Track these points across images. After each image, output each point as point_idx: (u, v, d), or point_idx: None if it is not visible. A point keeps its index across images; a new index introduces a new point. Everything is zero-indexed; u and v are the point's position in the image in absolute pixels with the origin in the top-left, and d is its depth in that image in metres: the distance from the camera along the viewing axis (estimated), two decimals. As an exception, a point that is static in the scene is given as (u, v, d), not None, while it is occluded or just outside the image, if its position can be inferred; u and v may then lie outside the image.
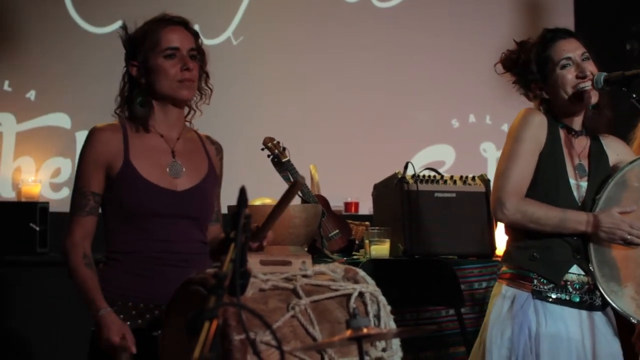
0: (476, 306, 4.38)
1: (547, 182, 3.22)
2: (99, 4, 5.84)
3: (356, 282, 2.73)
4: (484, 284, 4.48)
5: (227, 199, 2.83)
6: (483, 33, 6.38)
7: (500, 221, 3.31)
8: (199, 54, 3.10)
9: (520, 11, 6.71)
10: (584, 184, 3.26)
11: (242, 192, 2.11)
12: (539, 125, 3.23)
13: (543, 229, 3.18)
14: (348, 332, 2.20)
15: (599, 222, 3.15)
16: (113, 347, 2.84)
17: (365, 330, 2.19)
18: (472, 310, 4.41)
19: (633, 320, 3.21)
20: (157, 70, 3.01)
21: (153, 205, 2.96)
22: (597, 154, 3.32)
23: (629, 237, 3.14)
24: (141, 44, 3.03)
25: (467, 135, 6.45)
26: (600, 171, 3.29)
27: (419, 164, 5.94)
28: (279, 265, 2.74)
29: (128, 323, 2.92)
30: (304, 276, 2.69)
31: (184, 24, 3.10)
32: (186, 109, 3.14)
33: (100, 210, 3.03)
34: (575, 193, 3.24)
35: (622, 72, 3.16)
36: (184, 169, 3.04)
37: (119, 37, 3.10)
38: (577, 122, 3.30)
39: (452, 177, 4.72)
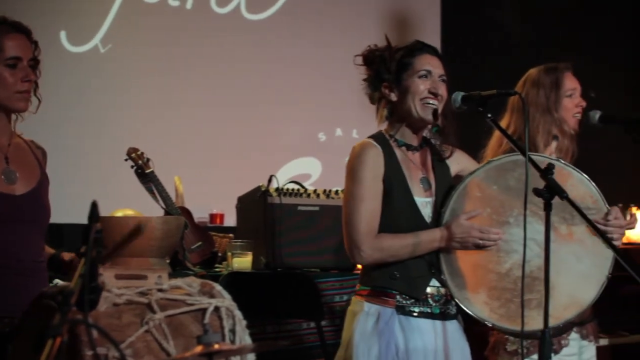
0: (337, 319, 4.40)
1: (397, 205, 3.26)
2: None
3: (212, 296, 2.73)
4: (345, 297, 4.52)
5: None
6: (351, 48, 6.41)
7: (360, 264, 3.33)
8: (35, 64, 3.03)
9: (389, 28, 6.82)
10: (431, 198, 3.32)
11: (94, 207, 2.09)
12: (374, 158, 3.25)
13: (402, 258, 3.23)
14: (199, 348, 2.20)
15: (451, 234, 3.22)
16: None
17: (216, 346, 2.19)
18: (333, 323, 4.44)
19: (489, 324, 3.29)
20: None
21: None
22: (438, 167, 3.39)
23: (480, 242, 3.21)
24: None
25: (333, 149, 6.51)
26: (444, 183, 3.35)
27: (285, 176, 5.98)
28: (134, 279, 2.71)
29: None
30: (160, 290, 2.68)
31: (26, 33, 3.02)
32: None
33: None
34: (423, 210, 3.29)
35: (479, 92, 3.22)
36: (17, 175, 2.98)
37: None
38: (416, 137, 3.36)
39: (315, 190, 4.76)
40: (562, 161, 3.30)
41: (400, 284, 3.25)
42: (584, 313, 3.46)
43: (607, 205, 3.34)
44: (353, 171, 3.27)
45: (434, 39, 6.87)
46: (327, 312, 4.48)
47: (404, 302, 3.25)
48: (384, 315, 3.23)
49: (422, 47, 3.36)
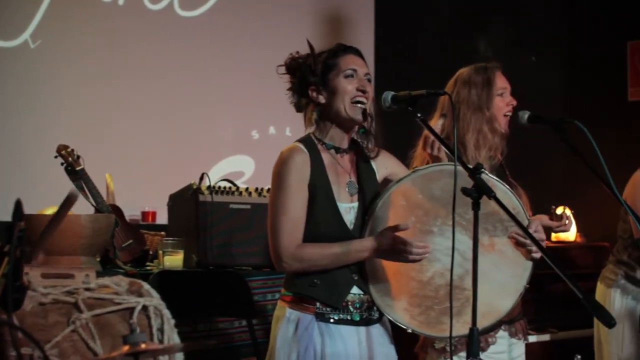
0: (268, 317, 4.40)
1: (319, 211, 3.24)
2: None
3: (140, 295, 2.72)
4: (277, 295, 4.48)
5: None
6: (285, 46, 6.38)
7: (283, 272, 3.31)
8: None
9: (323, 26, 6.84)
10: (355, 204, 3.31)
11: (18, 205, 2.06)
12: (301, 164, 3.23)
13: (325, 268, 3.22)
14: (125, 348, 2.18)
15: (380, 246, 3.19)
16: None
17: (142, 346, 2.17)
18: (264, 321, 4.44)
19: (408, 330, 3.33)
20: None
21: None
22: (364, 171, 3.38)
23: (410, 257, 3.17)
24: None
25: (267, 147, 6.49)
26: (369, 189, 3.35)
27: (218, 174, 5.95)
28: (61, 278, 2.69)
29: None
30: (87, 289, 2.67)
31: None
32: None
33: None
34: (346, 217, 3.28)
35: (408, 92, 3.20)
36: None
37: None
38: (345, 138, 3.35)
39: (247, 188, 4.75)
40: (487, 173, 3.30)
41: (320, 291, 3.25)
42: (501, 322, 3.51)
43: (528, 218, 3.39)
44: (279, 178, 3.24)
45: (368, 36, 6.90)
46: (258, 310, 4.48)
47: (324, 309, 3.25)
48: (303, 321, 3.24)
49: (345, 49, 3.37)
